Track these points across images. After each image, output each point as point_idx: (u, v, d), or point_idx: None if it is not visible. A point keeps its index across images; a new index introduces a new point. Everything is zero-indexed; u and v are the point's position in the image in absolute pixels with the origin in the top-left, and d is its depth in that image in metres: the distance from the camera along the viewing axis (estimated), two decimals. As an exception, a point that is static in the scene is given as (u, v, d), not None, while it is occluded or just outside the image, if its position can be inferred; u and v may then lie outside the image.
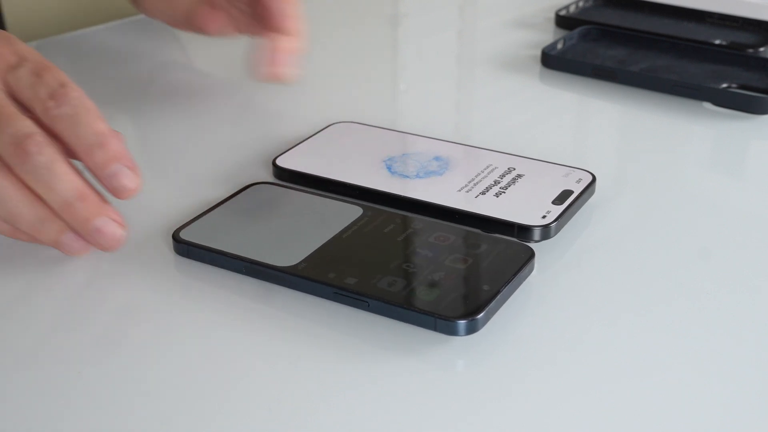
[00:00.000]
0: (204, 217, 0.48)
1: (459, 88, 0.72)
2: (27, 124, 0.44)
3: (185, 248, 0.46)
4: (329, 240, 0.46)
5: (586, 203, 0.51)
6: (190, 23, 0.66)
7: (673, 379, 0.39)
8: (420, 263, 0.44)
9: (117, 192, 0.44)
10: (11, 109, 0.45)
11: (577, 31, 0.74)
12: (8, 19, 0.84)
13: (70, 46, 0.78)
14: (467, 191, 0.50)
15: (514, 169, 0.53)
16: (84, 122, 0.44)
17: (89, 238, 0.45)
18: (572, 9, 0.81)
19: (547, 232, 0.47)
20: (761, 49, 0.71)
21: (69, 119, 0.44)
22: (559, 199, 0.49)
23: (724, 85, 0.65)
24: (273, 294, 0.44)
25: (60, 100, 0.44)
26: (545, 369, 0.39)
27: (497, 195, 0.50)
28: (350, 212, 0.48)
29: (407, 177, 0.52)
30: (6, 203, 0.44)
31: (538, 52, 0.71)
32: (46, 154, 0.43)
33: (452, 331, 0.40)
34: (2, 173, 0.44)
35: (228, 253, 0.45)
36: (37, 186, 0.44)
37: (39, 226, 0.45)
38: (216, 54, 0.74)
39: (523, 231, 0.47)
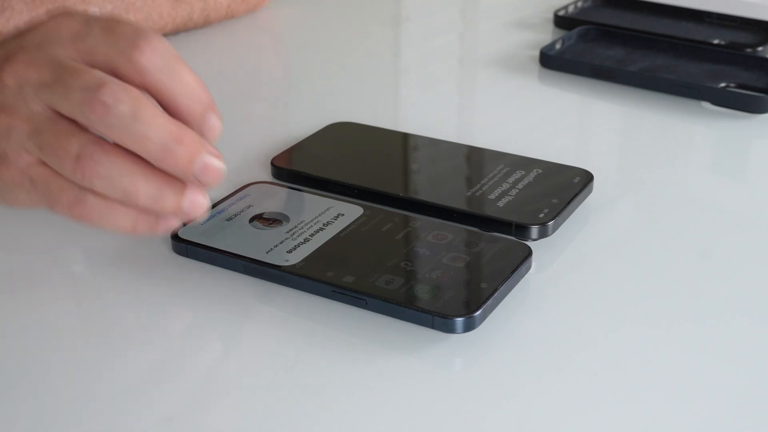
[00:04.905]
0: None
1: (457, 88, 0.72)
2: (96, 74, 0.38)
3: (184, 247, 0.46)
4: (328, 239, 0.46)
5: (584, 202, 0.51)
6: None
7: (672, 377, 0.39)
8: (418, 261, 0.44)
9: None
10: (76, 64, 0.39)
11: (575, 31, 0.74)
12: None
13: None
14: (465, 190, 0.51)
15: (512, 167, 0.53)
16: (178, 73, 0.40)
17: (197, 178, 0.39)
18: (571, 9, 0.81)
19: (544, 230, 0.47)
20: (759, 48, 0.71)
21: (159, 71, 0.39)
22: (556, 198, 0.49)
23: (723, 85, 0.65)
24: (271, 293, 0.44)
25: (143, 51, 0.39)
26: (542, 366, 0.39)
27: (495, 194, 0.50)
28: (348, 211, 0.48)
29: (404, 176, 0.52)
30: (115, 180, 0.39)
31: (537, 53, 0.71)
32: (126, 101, 0.38)
33: (449, 329, 0.40)
34: (98, 145, 0.38)
35: (227, 252, 0.45)
36: (125, 139, 0.38)
37: (159, 195, 0.39)
38: (215, 53, 0.75)
39: (520, 229, 0.47)
